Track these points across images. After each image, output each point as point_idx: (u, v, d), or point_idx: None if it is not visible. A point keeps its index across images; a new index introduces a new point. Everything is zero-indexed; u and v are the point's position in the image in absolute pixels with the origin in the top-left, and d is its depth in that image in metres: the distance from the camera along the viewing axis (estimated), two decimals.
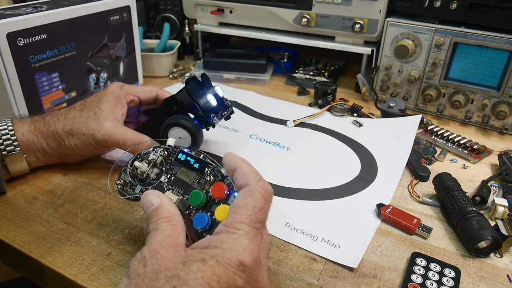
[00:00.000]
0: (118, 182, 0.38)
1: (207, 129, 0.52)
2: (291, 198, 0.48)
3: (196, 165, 0.36)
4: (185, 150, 0.38)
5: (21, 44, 0.52)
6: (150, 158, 0.37)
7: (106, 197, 0.48)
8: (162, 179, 0.37)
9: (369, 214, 0.46)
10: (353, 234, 0.43)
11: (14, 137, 0.46)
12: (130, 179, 0.38)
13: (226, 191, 0.34)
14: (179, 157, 0.37)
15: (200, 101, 0.50)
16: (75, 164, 0.53)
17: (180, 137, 0.50)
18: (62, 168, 0.52)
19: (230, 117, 0.54)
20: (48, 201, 0.46)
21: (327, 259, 0.40)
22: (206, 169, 0.36)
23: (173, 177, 0.37)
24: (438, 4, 0.64)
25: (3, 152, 0.46)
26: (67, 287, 0.37)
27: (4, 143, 0.46)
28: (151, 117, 0.54)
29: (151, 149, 0.38)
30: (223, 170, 0.35)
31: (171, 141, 0.38)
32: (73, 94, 0.63)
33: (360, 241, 0.42)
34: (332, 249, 0.41)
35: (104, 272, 0.37)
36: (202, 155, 0.37)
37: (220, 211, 0.33)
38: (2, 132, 0.46)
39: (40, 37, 0.54)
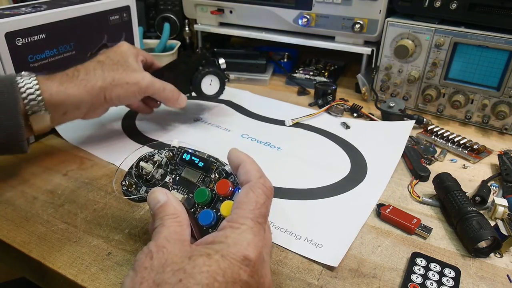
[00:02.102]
0: (124, 183, 0.38)
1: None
2: (277, 198, 0.48)
3: (201, 164, 0.37)
4: (190, 150, 0.38)
5: (20, 44, 0.52)
6: (155, 159, 0.38)
7: (106, 197, 0.47)
8: (167, 179, 0.37)
9: (354, 214, 0.46)
10: (337, 234, 0.43)
11: (40, 97, 0.44)
12: (135, 179, 0.38)
13: (230, 188, 0.34)
14: (183, 157, 0.38)
15: (219, 61, 0.62)
16: (75, 164, 0.53)
17: (210, 84, 0.60)
18: (62, 168, 0.52)
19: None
20: (48, 201, 0.46)
21: (309, 259, 0.40)
22: (211, 167, 0.36)
23: (178, 177, 0.37)
24: (438, 4, 0.64)
25: (28, 112, 0.44)
26: (67, 287, 0.37)
27: (30, 103, 0.43)
28: (175, 71, 0.59)
29: (156, 150, 0.38)
30: (227, 168, 0.36)
31: (175, 142, 0.39)
32: None
33: (343, 240, 0.42)
34: (314, 248, 0.41)
35: (104, 272, 0.37)
36: (206, 154, 0.37)
37: (226, 207, 0.33)
38: (28, 91, 0.43)
39: (39, 37, 0.54)
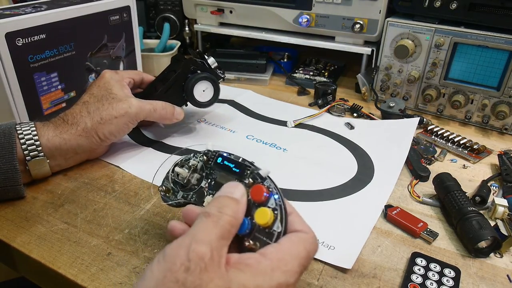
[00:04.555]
0: (161, 188, 0.38)
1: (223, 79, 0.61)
2: (287, 200, 0.48)
3: (235, 169, 0.35)
4: (224, 154, 0.37)
5: (20, 44, 0.52)
6: (190, 164, 0.37)
7: (106, 197, 0.47)
8: (202, 184, 0.36)
9: (364, 215, 0.46)
10: (348, 235, 0.43)
11: (38, 142, 0.46)
12: (172, 185, 0.38)
13: (265, 194, 0.32)
14: (218, 161, 0.36)
15: (208, 62, 0.59)
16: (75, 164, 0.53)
17: (203, 90, 0.57)
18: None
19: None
20: (48, 201, 0.46)
21: (321, 261, 0.40)
22: (245, 172, 0.35)
23: (213, 182, 0.36)
24: (438, 4, 0.64)
25: (26, 157, 0.45)
26: (67, 287, 0.37)
27: (28, 148, 0.45)
28: (166, 85, 0.57)
29: (192, 154, 0.38)
30: (261, 172, 0.34)
31: (209, 145, 0.38)
32: (72, 94, 0.63)
33: (356, 242, 0.42)
34: (327, 250, 0.41)
35: (104, 272, 0.37)
36: (240, 158, 0.36)
37: (260, 214, 0.31)
38: (26, 137, 0.45)
39: (39, 37, 0.54)
